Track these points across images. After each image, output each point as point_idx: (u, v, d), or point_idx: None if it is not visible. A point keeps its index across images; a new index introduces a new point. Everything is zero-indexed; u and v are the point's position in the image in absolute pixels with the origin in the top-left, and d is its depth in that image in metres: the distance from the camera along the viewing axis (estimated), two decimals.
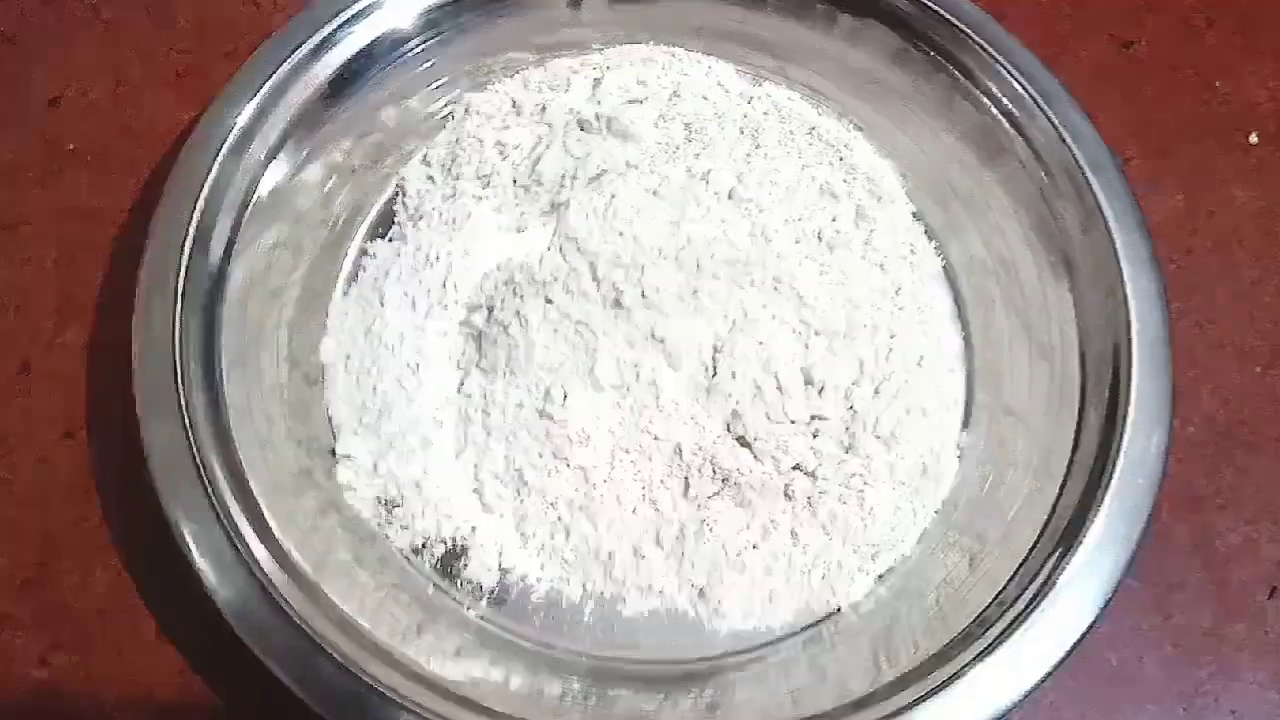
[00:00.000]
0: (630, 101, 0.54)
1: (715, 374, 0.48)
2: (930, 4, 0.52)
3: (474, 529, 0.48)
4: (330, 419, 0.50)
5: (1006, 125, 0.51)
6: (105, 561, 0.48)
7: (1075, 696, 0.46)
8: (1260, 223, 0.56)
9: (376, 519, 0.48)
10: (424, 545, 0.48)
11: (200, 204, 0.47)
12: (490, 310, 0.50)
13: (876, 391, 0.49)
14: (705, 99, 0.55)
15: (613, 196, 0.51)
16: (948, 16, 0.52)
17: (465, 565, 0.48)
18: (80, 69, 0.58)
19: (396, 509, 0.48)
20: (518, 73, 0.56)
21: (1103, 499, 0.43)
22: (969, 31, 0.52)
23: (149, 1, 0.60)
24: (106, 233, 0.54)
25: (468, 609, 0.47)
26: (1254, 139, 0.58)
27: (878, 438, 0.48)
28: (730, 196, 0.51)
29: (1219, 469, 0.51)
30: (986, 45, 0.51)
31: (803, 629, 0.47)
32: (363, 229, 0.54)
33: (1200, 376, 0.52)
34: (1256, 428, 0.52)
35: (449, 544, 0.48)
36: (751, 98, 0.56)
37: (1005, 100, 0.51)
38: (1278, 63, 0.60)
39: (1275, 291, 0.54)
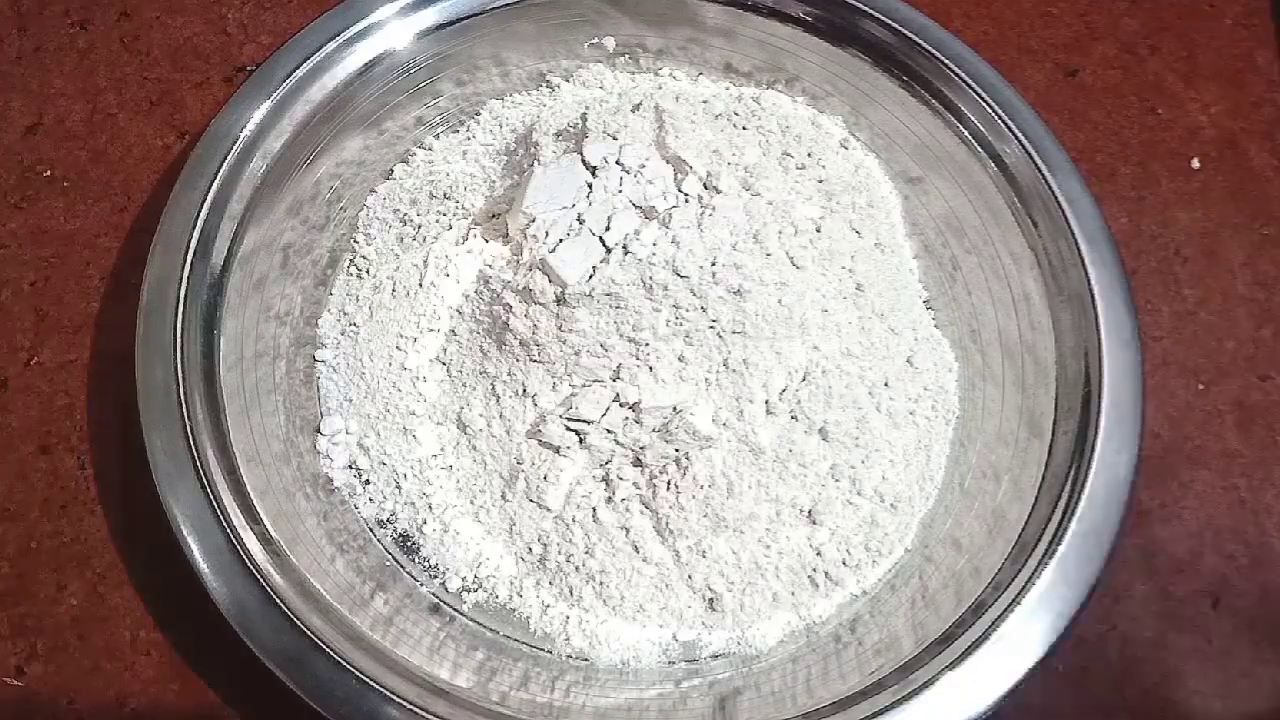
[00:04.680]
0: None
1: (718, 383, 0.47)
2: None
3: (432, 507, 0.49)
4: (319, 390, 0.52)
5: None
6: (80, 574, 0.49)
7: (1023, 706, 0.46)
8: (1202, 244, 0.57)
9: (348, 489, 0.50)
10: (389, 519, 0.49)
11: (220, 177, 0.49)
12: (479, 320, 0.50)
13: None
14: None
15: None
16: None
17: (422, 544, 0.49)
18: (57, 97, 0.59)
19: (368, 484, 0.50)
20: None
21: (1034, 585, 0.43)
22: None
23: (124, 32, 0.61)
24: (82, 256, 0.55)
25: (421, 585, 0.48)
26: (1195, 163, 0.58)
27: (849, 502, 0.48)
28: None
29: (1164, 483, 0.52)
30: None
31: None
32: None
33: (1145, 393, 0.53)
34: (1200, 443, 0.53)
35: (410, 523, 0.49)
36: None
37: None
38: (1218, 89, 0.60)
39: (1217, 311, 0.55)
